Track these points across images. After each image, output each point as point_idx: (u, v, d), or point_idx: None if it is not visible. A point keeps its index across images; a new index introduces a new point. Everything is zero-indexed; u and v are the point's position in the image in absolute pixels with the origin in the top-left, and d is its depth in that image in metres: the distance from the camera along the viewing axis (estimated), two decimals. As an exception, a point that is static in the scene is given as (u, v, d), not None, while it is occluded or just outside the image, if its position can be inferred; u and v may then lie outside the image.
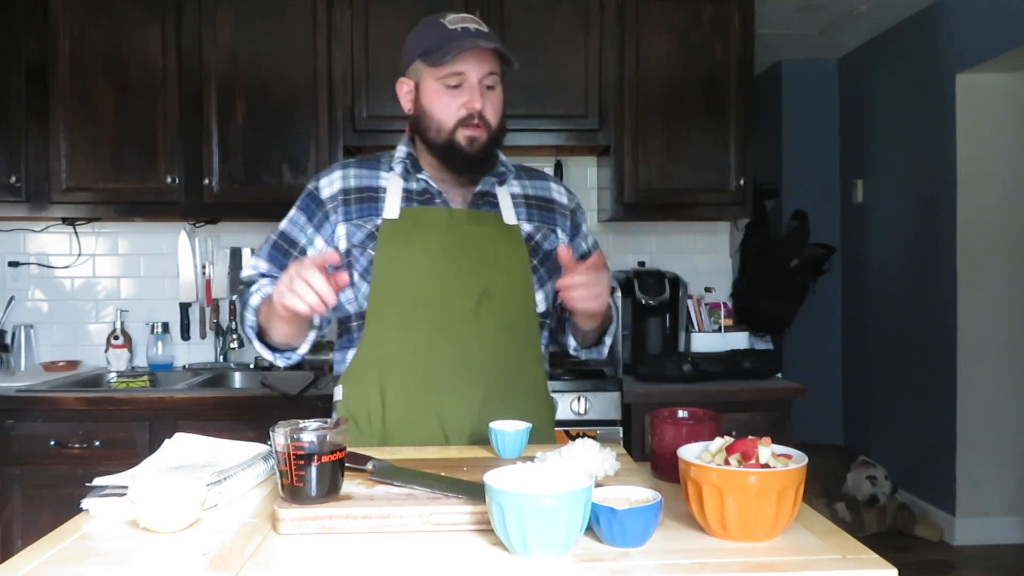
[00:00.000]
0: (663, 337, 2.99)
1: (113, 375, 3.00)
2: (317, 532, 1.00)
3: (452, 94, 1.48)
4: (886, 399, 4.39)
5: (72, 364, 3.07)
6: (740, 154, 2.96)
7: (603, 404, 2.63)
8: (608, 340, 1.65)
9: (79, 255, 3.20)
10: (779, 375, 2.88)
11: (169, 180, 2.87)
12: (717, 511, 0.94)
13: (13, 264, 3.18)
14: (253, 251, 1.55)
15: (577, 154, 3.24)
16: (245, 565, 0.90)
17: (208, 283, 3.16)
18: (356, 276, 1.51)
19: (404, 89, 1.55)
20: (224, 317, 3.19)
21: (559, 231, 1.63)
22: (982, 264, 3.68)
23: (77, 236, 3.20)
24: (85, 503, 1.09)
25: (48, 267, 3.20)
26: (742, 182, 2.96)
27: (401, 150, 1.57)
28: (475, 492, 1.02)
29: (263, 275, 1.55)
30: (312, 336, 1.52)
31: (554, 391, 2.60)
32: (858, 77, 4.64)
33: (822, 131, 4.87)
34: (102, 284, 3.22)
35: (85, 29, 2.85)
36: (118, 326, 3.10)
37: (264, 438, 1.14)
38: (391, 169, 1.57)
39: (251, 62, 2.88)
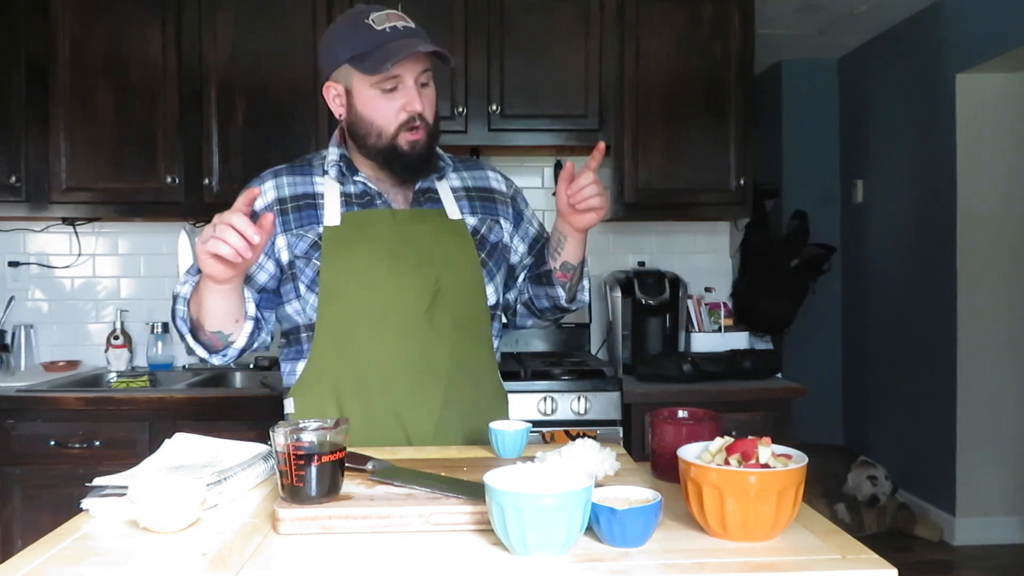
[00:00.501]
0: (663, 337, 2.99)
1: (113, 375, 3.00)
2: (317, 532, 1.00)
3: (389, 98, 1.44)
4: (886, 399, 4.39)
5: (72, 364, 3.07)
6: (740, 154, 2.96)
7: (603, 404, 2.63)
8: (586, 284, 1.63)
9: (79, 255, 3.20)
10: (779, 375, 2.88)
11: (169, 180, 2.87)
12: (717, 511, 0.94)
13: (13, 264, 3.18)
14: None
15: (577, 154, 3.23)
16: (245, 565, 0.90)
17: (208, 283, 3.16)
18: (303, 288, 1.47)
19: (332, 93, 1.49)
20: (224, 317, 3.19)
21: (502, 220, 1.61)
22: (982, 264, 3.68)
23: (77, 236, 3.20)
24: (85, 503, 1.09)
25: (48, 267, 3.20)
26: (742, 182, 2.96)
27: (333, 152, 1.53)
28: (475, 492, 1.02)
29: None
30: (248, 328, 1.43)
31: (554, 391, 2.62)
32: (858, 77, 4.64)
33: (822, 131, 4.86)
34: (102, 284, 3.22)
35: (85, 29, 2.85)
36: (118, 326, 3.10)
37: (264, 438, 1.14)
38: (325, 173, 1.52)
39: (251, 62, 2.88)
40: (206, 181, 2.88)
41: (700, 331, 3.12)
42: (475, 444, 1.46)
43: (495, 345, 1.61)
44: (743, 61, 2.96)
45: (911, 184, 4.09)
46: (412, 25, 1.45)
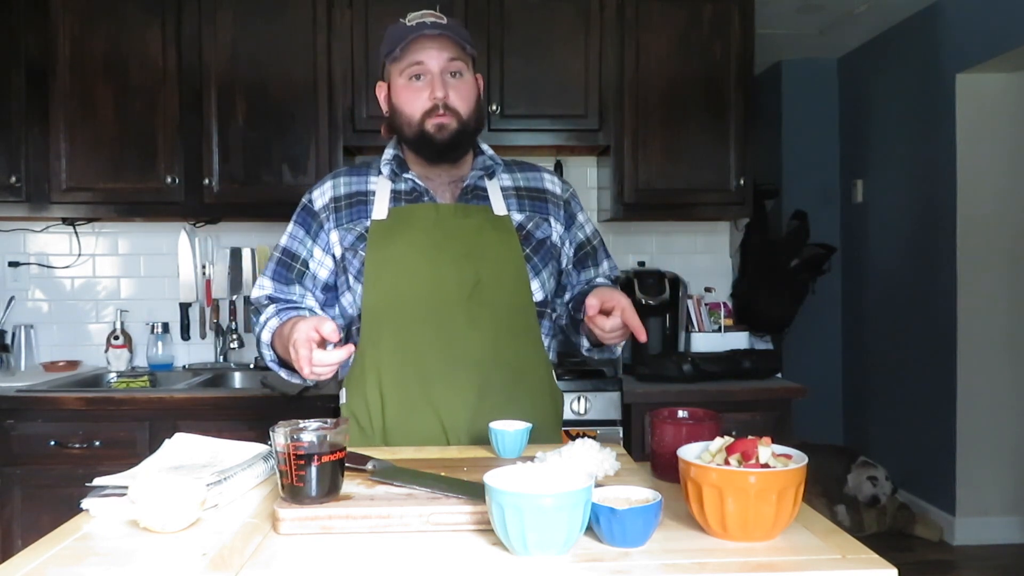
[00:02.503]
0: (663, 337, 2.99)
1: (113, 375, 3.00)
2: (317, 532, 1.00)
3: (416, 88, 1.51)
4: (886, 399, 4.39)
5: (72, 364, 3.07)
6: (740, 154, 2.96)
7: (603, 404, 2.63)
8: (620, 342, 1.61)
9: (79, 255, 3.20)
10: (779, 375, 2.88)
11: (169, 180, 2.87)
12: (717, 511, 0.94)
13: (13, 264, 3.18)
14: (262, 270, 1.60)
15: (577, 154, 3.24)
16: (245, 565, 0.90)
17: (208, 283, 3.16)
18: (351, 279, 1.53)
19: (381, 94, 1.60)
20: (224, 317, 3.19)
21: (552, 220, 1.62)
22: (982, 264, 3.68)
23: (77, 236, 3.20)
24: (85, 503, 1.09)
25: (48, 267, 3.20)
26: (742, 182, 2.96)
27: (388, 152, 1.60)
28: (475, 492, 1.02)
29: (270, 298, 1.57)
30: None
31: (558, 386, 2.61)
32: (858, 77, 4.64)
33: (822, 131, 4.86)
34: (102, 284, 3.22)
35: (85, 29, 2.85)
36: (118, 326, 3.10)
37: (264, 438, 1.14)
38: (380, 173, 1.59)
39: (251, 62, 2.88)
40: (206, 181, 2.88)
41: (700, 331, 3.12)
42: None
43: (546, 344, 1.61)
44: (743, 61, 2.96)
45: (911, 184, 4.09)
46: (443, 20, 1.51)
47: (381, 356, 1.50)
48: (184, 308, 3.16)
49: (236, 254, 3.17)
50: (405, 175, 1.56)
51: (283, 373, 1.53)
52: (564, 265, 1.65)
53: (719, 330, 3.13)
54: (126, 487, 1.06)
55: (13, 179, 2.84)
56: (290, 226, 1.61)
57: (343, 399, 1.59)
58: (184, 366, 3.16)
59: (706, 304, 3.18)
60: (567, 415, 2.61)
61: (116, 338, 3.08)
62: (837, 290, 4.82)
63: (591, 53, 2.91)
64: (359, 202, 1.57)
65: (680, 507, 1.04)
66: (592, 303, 1.37)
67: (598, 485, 1.00)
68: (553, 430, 1.60)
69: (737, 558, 0.91)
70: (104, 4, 2.86)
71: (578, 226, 1.68)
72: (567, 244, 1.64)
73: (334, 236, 1.55)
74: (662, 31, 2.94)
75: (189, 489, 1.01)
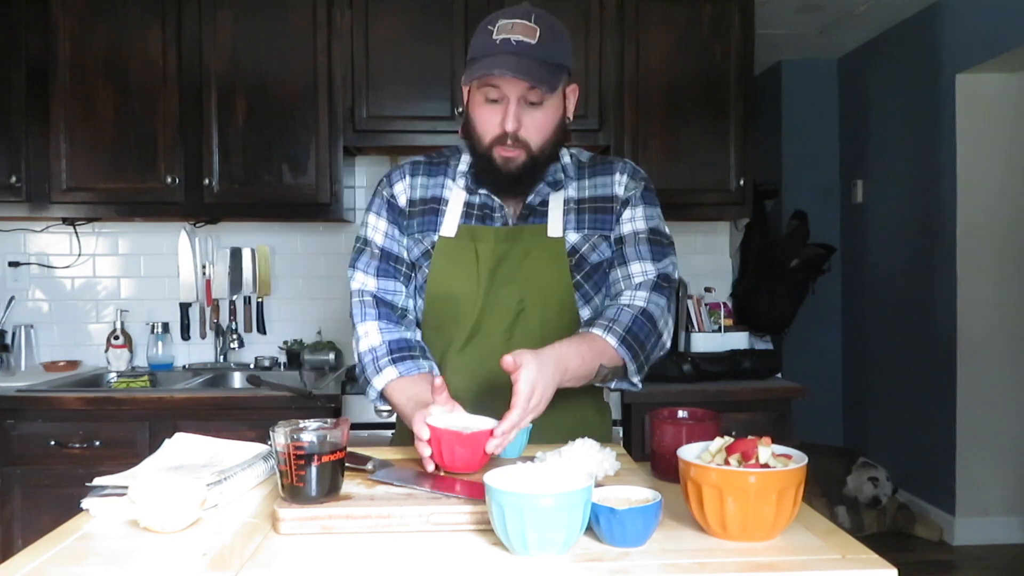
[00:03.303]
0: (663, 337, 2.98)
1: (113, 375, 3.00)
2: (317, 532, 1.00)
3: (491, 110, 1.41)
4: (886, 399, 4.39)
5: (72, 364, 3.07)
6: (740, 154, 2.96)
7: (603, 404, 2.63)
8: (637, 377, 1.46)
9: (79, 255, 3.20)
10: (779, 375, 2.88)
11: (169, 180, 2.87)
12: (717, 511, 0.94)
13: (13, 264, 3.18)
14: (352, 264, 1.54)
15: (577, 154, 3.23)
16: (245, 565, 0.90)
17: (208, 283, 3.16)
18: (414, 289, 1.55)
19: (464, 94, 1.51)
20: (224, 317, 3.19)
21: (612, 236, 1.52)
22: (982, 264, 3.68)
23: (77, 236, 3.20)
24: (85, 503, 1.09)
25: (48, 267, 3.20)
26: (742, 182, 2.96)
27: (465, 160, 1.54)
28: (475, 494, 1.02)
29: (375, 297, 1.50)
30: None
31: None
32: (858, 77, 4.64)
33: (822, 131, 4.86)
34: (102, 284, 3.22)
35: (85, 29, 2.85)
36: (118, 326, 3.10)
37: (264, 438, 1.14)
38: (454, 179, 1.53)
39: (251, 62, 2.88)
40: (206, 181, 2.88)
41: (700, 331, 3.12)
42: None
43: None
44: (743, 61, 2.96)
45: (911, 184, 4.09)
46: (531, 41, 1.35)
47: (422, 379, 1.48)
48: (184, 308, 3.16)
49: (236, 254, 3.17)
50: (480, 190, 1.50)
51: (379, 403, 1.50)
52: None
53: (719, 330, 3.13)
54: (126, 487, 1.06)
55: (13, 179, 2.84)
56: (379, 222, 1.53)
57: (395, 417, 1.61)
58: (184, 366, 3.16)
59: (706, 304, 3.18)
60: (567, 415, 2.60)
61: (116, 338, 3.08)
62: (837, 290, 4.82)
63: (591, 53, 2.91)
64: (431, 211, 1.52)
65: (680, 507, 1.04)
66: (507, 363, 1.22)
67: (598, 485, 1.00)
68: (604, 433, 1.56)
69: (737, 558, 0.91)
70: (104, 4, 2.86)
71: (623, 222, 1.53)
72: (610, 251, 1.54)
73: (405, 242, 1.54)
74: (662, 31, 2.94)
75: (189, 489, 1.01)
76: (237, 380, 3.02)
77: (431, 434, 1.17)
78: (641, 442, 2.61)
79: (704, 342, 3.07)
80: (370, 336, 1.48)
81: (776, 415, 2.69)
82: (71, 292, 3.21)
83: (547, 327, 1.46)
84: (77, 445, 2.54)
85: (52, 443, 2.54)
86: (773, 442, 1.00)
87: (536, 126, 1.42)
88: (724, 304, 3.21)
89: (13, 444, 2.55)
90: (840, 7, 3.90)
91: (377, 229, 1.53)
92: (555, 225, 1.50)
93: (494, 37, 1.37)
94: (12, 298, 3.15)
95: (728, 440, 1.02)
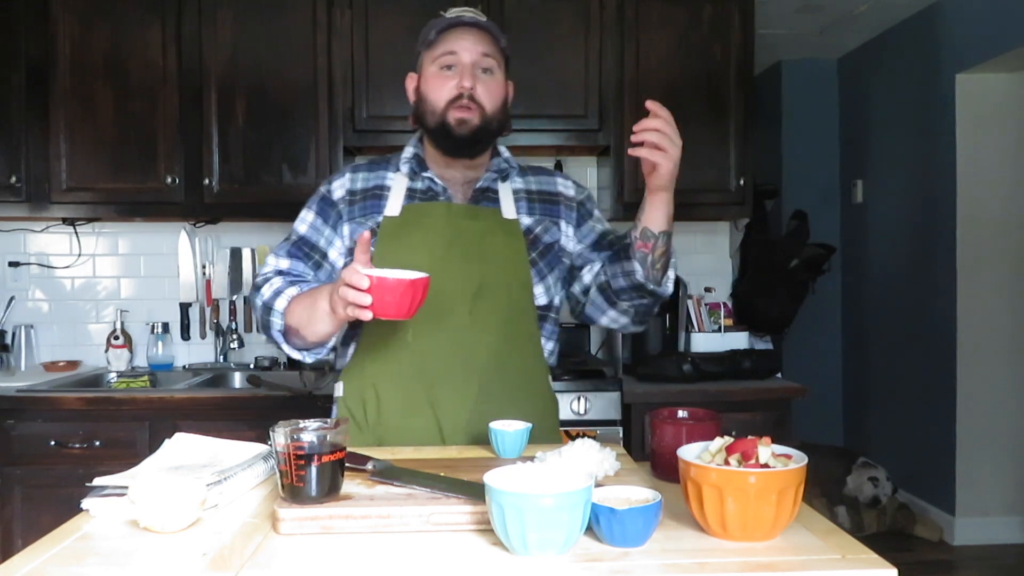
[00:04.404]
0: (663, 337, 2.99)
1: (113, 375, 3.00)
2: (317, 532, 1.00)
3: (446, 76, 1.51)
4: (886, 399, 4.39)
5: (72, 364, 3.07)
6: (740, 154, 2.96)
7: (603, 404, 2.63)
8: (672, 274, 1.51)
9: (79, 255, 3.20)
10: (779, 375, 2.88)
11: (169, 180, 2.87)
12: (717, 511, 0.94)
13: (13, 264, 3.18)
14: (271, 250, 1.59)
15: (577, 154, 3.24)
16: (245, 565, 0.90)
17: (208, 283, 3.16)
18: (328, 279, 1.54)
19: (411, 85, 1.60)
20: (224, 317, 3.19)
21: (562, 223, 1.62)
22: (982, 264, 3.68)
23: (77, 236, 3.20)
24: (85, 503, 1.09)
25: (48, 267, 3.20)
26: (742, 182, 2.96)
27: (408, 150, 1.61)
28: (475, 492, 1.02)
29: (280, 272, 1.53)
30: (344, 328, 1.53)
31: (554, 391, 2.61)
32: (858, 77, 4.64)
33: (822, 131, 4.86)
34: (102, 284, 3.22)
35: (85, 29, 2.85)
36: (118, 326, 3.10)
37: (264, 438, 1.14)
38: (398, 170, 1.60)
39: (251, 62, 2.88)
40: (206, 181, 2.88)
41: (700, 331, 3.12)
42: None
43: (549, 348, 1.62)
44: (743, 61, 2.96)
45: (911, 184, 4.09)
46: (482, 19, 1.53)
47: (382, 351, 1.51)
48: (184, 308, 3.16)
49: (236, 254, 3.17)
50: (424, 174, 1.57)
51: (285, 346, 1.49)
52: (572, 261, 1.63)
53: (719, 330, 3.13)
54: (126, 487, 1.06)
55: (13, 179, 2.84)
56: (307, 214, 1.59)
57: (339, 392, 1.59)
58: (184, 366, 3.16)
59: (706, 304, 3.18)
60: (567, 415, 2.61)
61: (116, 338, 3.08)
62: (837, 290, 4.82)
63: (591, 53, 2.91)
64: (374, 196, 1.57)
65: (680, 507, 1.04)
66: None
67: (598, 485, 1.00)
68: (552, 433, 1.60)
69: (737, 558, 0.91)
70: (104, 4, 2.86)
71: (596, 220, 1.66)
72: (579, 241, 1.63)
73: (346, 229, 1.56)
74: (662, 31, 2.94)
75: (189, 489, 1.01)
76: (237, 380, 3.02)
77: (371, 282, 1.20)
78: (641, 442, 2.61)
79: (704, 342, 3.07)
80: (273, 285, 1.49)
81: (776, 415, 2.69)
82: (71, 292, 3.21)
83: (507, 303, 1.52)
84: (77, 445, 2.54)
85: (52, 443, 2.54)
86: (773, 442, 1.00)
87: (488, 91, 1.52)
88: (724, 304, 3.21)
89: (13, 444, 2.55)
90: (840, 7, 3.90)
91: (304, 221, 1.58)
92: (508, 209, 1.58)
93: (447, 16, 1.52)
94: (12, 298, 3.15)
95: (728, 440, 1.02)
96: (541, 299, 1.58)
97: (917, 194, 4.03)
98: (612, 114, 2.93)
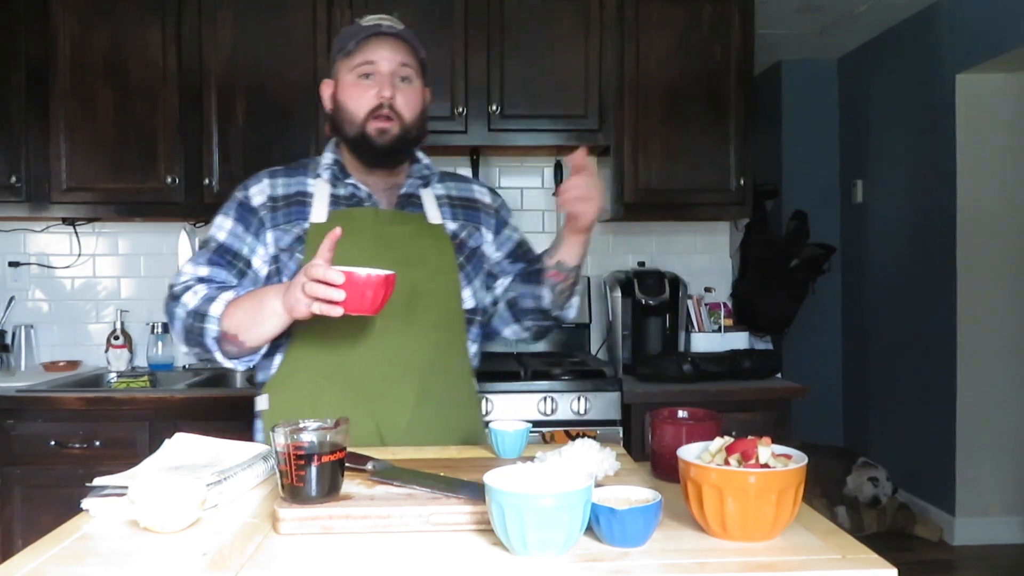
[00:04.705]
0: (663, 337, 2.99)
1: (113, 375, 3.00)
2: (317, 532, 1.00)
3: (364, 86, 1.50)
4: (886, 399, 4.39)
5: (72, 364, 3.07)
6: (740, 154, 2.96)
7: (603, 404, 2.63)
8: (575, 300, 1.62)
9: (79, 255, 3.20)
10: (779, 375, 2.88)
11: (169, 180, 2.87)
12: (717, 511, 0.94)
13: (13, 264, 3.18)
14: (188, 259, 1.55)
15: (577, 154, 3.23)
16: (245, 565, 0.90)
17: (208, 283, 3.16)
18: (285, 280, 1.49)
19: (327, 91, 1.58)
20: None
21: (483, 229, 1.66)
22: (982, 264, 3.68)
23: (77, 236, 3.20)
24: (85, 503, 1.09)
25: (48, 267, 3.20)
26: (742, 182, 2.96)
27: (328, 156, 1.58)
28: (475, 492, 1.02)
29: (201, 279, 1.48)
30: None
31: (554, 391, 2.62)
32: (858, 77, 4.64)
33: (822, 131, 4.87)
34: (102, 284, 3.22)
35: (85, 29, 2.85)
36: (118, 326, 3.10)
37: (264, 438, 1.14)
38: (318, 176, 1.57)
39: (251, 62, 2.88)
40: (206, 181, 2.88)
41: (700, 331, 3.12)
42: (446, 445, 1.47)
43: (473, 350, 1.64)
44: (743, 61, 2.96)
45: (911, 184, 4.09)
46: (399, 27, 1.53)
47: (317, 362, 1.48)
48: (184, 308, 3.15)
49: (236, 254, 3.17)
50: (346, 180, 1.56)
51: (218, 354, 1.45)
52: (491, 268, 1.67)
53: (719, 330, 3.13)
54: (126, 487, 1.06)
55: (13, 179, 2.84)
56: (225, 221, 1.54)
57: (263, 405, 1.54)
58: (184, 366, 3.16)
59: (706, 304, 3.18)
60: (567, 415, 2.61)
61: (116, 338, 3.08)
62: (837, 290, 4.82)
63: (591, 53, 2.91)
64: (297, 203, 1.54)
65: (680, 507, 1.04)
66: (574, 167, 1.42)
67: (598, 485, 1.00)
68: (481, 436, 1.60)
69: (737, 558, 0.91)
70: (104, 4, 2.86)
71: (511, 229, 1.71)
72: (493, 248, 1.67)
73: (270, 236, 1.52)
74: (662, 31, 2.94)
75: (189, 489, 1.01)
76: (237, 380, 3.02)
77: (346, 278, 1.21)
78: (641, 442, 2.61)
79: (704, 342, 3.07)
80: (197, 293, 1.45)
81: (776, 415, 2.69)
82: (71, 292, 3.21)
83: (440, 308, 1.53)
84: (77, 445, 2.54)
85: (52, 443, 2.54)
86: (773, 442, 1.00)
87: (407, 100, 1.52)
88: (724, 304, 3.21)
89: (13, 444, 2.55)
90: (840, 7, 3.90)
91: (222, 228, 1.53)
92: (434, 214, 1.60)
93: (363, 25, 1.52)
94: (12, 298, 3.15)
95: (728, 440, 1.02)
96: (468, 303, 1.59)
97: (917, 194, 4.03)
98: (612, 114, 2.93)
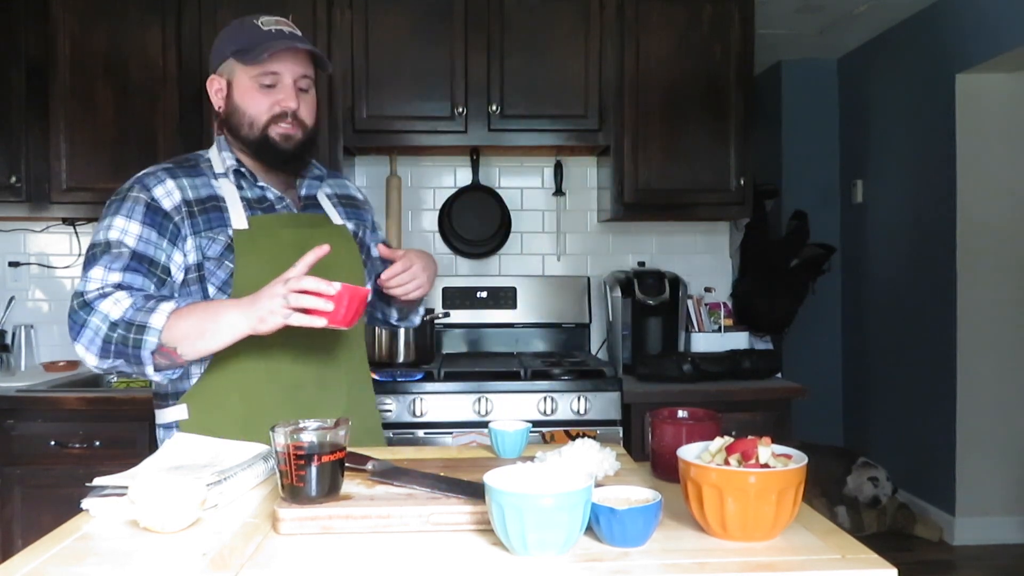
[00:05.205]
0: (663, 337, 2.98)
1: (113, 375, 3.00)
2: (317, 532, 1.00)
3: (266, 93, 1.50)
4: (886, 399, 4.38)
5: (72, 364, 3.06)
6: (740, 154, 2.96)
7: (603, 404, 2.63)
8: (421, 309, 1.79)
9: (79, 255, 3.20)
10: (779, 375, 2.88)
11: (169, 180, 2.87)
12: (717, 511, 0.94)
13: (13, 264, 3.18)
14: (87, 268, 1.44)
15: (577, 154, 3.24)
16: (245, 565, 0.90)
17: (208, 283, 3.16)
18: (212, 290, 1.46)
19: (215, 87, 1.56)
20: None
21: (368, 227, 1.72)
22: (982, 264, 3.68)
23: (77, 236, 3.20)
24: (85, 503, 1.09)
25: (48, 267, 3.20)
26: (742, 182, 2.96)
27: (228, 159, 1.54)
28: (475, 492, 1.02)
29: (119, 286, 1.39)
30: None
31: (554, 391, 2.62)
32: (858, 77, 4.64)
33: (822, 131, 4.87)
34: (102, 284, 3.21)
35: (85, 29, 2.85)
36: (118, 326, 3.09)
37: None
38: (216, 177, 1.54)
39: (251, 62, 2.88)
40: (206, 181, 2.87)
41: (700, 331, 3.12)
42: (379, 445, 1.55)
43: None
44: (743, 61, 2.96)
45: (911, 184, 4.09)
46: (298, 32, 1.54)
47: (243, 371, 1.45)
48: (184, 308, 3.15)
49: (236, 254, 3.17)
50: (256, 183, 1.54)
51: (148, 368, 1.35)
52: (372, 262, 1.72)
53: (719, 330, 3.13)
54: (126, 487, 1.06)
55: (13, 179, 2.84)
56: (130, 225, 1.43)
57: (179, 415, 1.48)
58: (184, 366, 3.15)
59: (706, 304, 3.18)
60: (567, 415, 2.61)
61: (116, 338, 3.07)
62: (837, 290, 4.82)
63: (591, 53, 2.91)
64: (214, 208, 1.49)
65: (680, 507, 1.04)
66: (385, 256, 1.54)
67: (598, 485, 1.00)
68: (380, 438, 1.67)
69: (737, 558, 0.91)
70: (104, 4, 2.86)
71: (376, 226, 1.78)
72: (373, 246, 1.71)
73: (190, 243, 1.46)
74: (662, 31, 2.94)
75: (189, 489, 1.01)
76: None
77: (341, 290, 1.25)
78: (641, 442, 2.61)
79: (704, 342, 3.07)
80: (121, 302, 1.35)
81: (776, 415, 2.69)
82: (71, 292, 3.20)
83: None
84: (77, 445, 2.54)
85: (52, 443, 2.54)
86: (773, 442, 1.00)
87: (308, 108, 1.55)
88: (724, 304, 3.21)
89: (13, 444, 2.55)
90: (840, 7, 3.90)
91: (128, 232, 1.43)
92: (334, 215, 1.63)
93: (264, 29, 1.49)
94: (12, 298, 3.15)
95: (728, 440, 1.02)
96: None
97: (917, 194, 4.03)
98: (612, 114, 2.93)
